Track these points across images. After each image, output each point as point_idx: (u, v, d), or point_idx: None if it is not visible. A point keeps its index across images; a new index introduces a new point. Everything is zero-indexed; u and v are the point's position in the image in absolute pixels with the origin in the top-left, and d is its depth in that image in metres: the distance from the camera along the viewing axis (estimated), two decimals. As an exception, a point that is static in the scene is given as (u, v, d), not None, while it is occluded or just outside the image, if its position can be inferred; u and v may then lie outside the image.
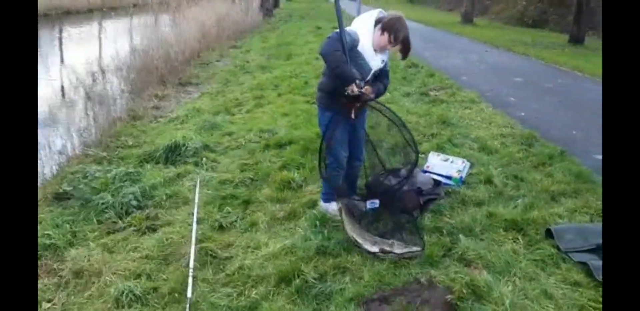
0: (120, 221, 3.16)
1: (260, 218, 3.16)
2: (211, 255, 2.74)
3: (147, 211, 3.29)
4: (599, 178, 3.76)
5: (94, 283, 2.51)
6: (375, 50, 2.81)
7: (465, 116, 5.56)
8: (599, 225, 2.95)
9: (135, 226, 3.10)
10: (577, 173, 3.80)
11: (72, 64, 7.57)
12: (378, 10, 2.86)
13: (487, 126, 5.22)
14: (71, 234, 2.98)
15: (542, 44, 13.15)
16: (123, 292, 2.35)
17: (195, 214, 3.08)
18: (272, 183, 3.68)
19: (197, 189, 3.48)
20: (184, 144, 4.35)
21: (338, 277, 2.50)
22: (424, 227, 2.98)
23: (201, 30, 11.03)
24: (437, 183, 3.47)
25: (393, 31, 2.75)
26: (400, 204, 3.05)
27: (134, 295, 2.36)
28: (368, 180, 3.25)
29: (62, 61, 10.33)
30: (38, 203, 3.33)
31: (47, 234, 2.88)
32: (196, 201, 3.30)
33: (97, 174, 3.79)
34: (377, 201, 2.94)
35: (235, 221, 3.14)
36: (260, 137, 4.81)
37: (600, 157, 4.33)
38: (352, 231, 2.82)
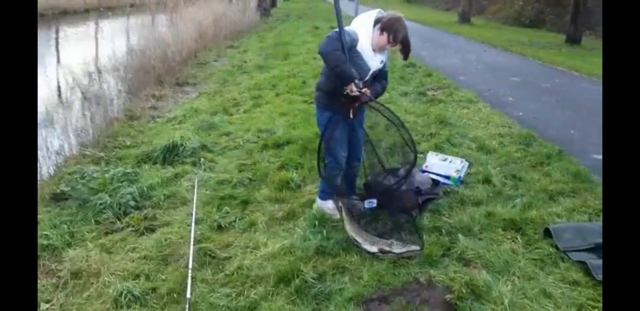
0: (118, 222, 3.15)
1: (259, 218, 3.16)
2: (210, 255, 2.73)
3: (145, 211, 3.28)
4: (596, 178, 3.78)
5: (92, 283, 2.50)
6: (374, 50, 2.81)
7: (463, 116, 5.57)
8: (597, 224, 2.95)
9: (133, 226, 3.09)
10: (575, 172, 3.81)
11: (69, 64, 7.54)
12: (377, 10, 2.86)
13: (485, 125, 5.23)
14: (69, 234, 2.97)
15: (539, 44, 13.18)
16: (122, 293, 2.35)
17: (194, 215, 3.08)
18: (270, 183, 3.67)
19: (196, 190, 3.47)
20: (181, 145, 4.34)
21: (337, 277, 2.50)
22: (422, 227, 2.98)
23: (198, 30, 11.02)
24: (435, 183, 3.47)
25: (392, 31, 2.75)
26: (399, 204, 3.05)
27: (133, 295, 2.35)
28: (367, 180, 3.25)
29: (58, 61, 10.29)
30: (36, 204, 3.32)
31: (45, 234, 2.87)
32: (194, 201, 3.29)
33: (94, 175, 3.77)
34: (374, 201, 2.94)
35: (234, 221, 3.14)
36: (259, 137, 4.80)
37: (598, 156, 4.35)
38: (351, 230, 2.82)
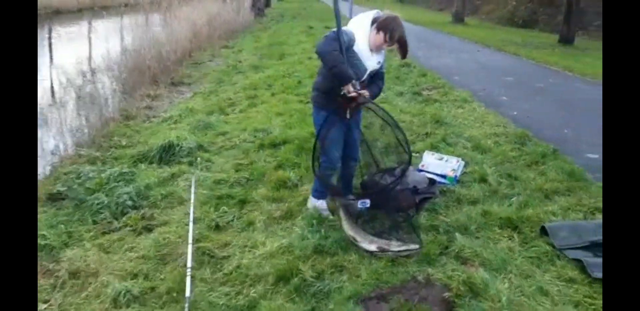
0: (115, 222, 3.14)
1: (256, 217, 3.16)
2: (208, 255, 2.74)
3: (142, 211, 3.27)
4: (591, 176, 3.81)
5: (90, 283, 2.49)
6: (371, 50, 2.82)
7: (458, 115, 5.60)
8: (592, 223, 2.99)
9: (131, 226, 3.08)
10: (569, 171, 3.84)
11: (63, 64, 7.49)
12: (375, 11, 2.88)
13: (480, 125, 5.26)
14: (66, 234, 2.95)
15: (532, 44, 13.27)
16: (120, 292, 2.34)
17: (191, 214, 3.07)
18: (267, 182, 3.68)
19: (193, 189, 3.47)
20: (178, 144, 4.33)
21: (336, 276, 2.51)
22: (420, 225, 3.00)
23: (192, 30, 10.99)
24: (432, 182, 3.49)
25: (388, 30, 2.76)
26: (395, 204, 3.07)
27: (132, 295, 2.35)
28: (364, 179, 3.26)
29: (52, 60, 10.23)
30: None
31: (42, 234, 2.85)
32: (192, 200, 3.29)
33: (91, 175, 3.76)
34: (367, 201, 2.95)
35: (232, 220, 3.14)
36: (255, 136, 4.80)
37: (592, 155, 4.39)
38: (349, 229, 2.83)
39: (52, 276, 2.56)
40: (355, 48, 2.78)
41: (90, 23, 14.00)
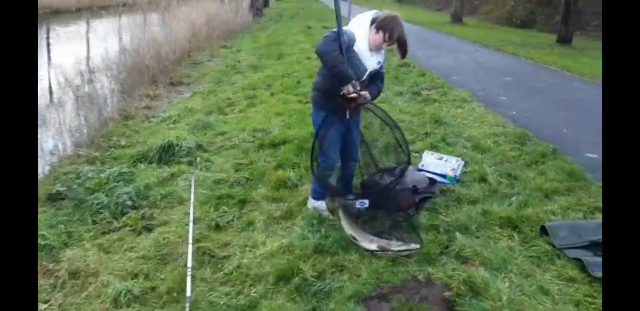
0: (115, 221, 3.13)
1: (256, 217, 3.16)
2: (209, 254, 2.73)
3: (142, 211, 3.27)
4: (590, 176, 3.82)
5: (90, 283, 2.49)
6: (370, 50, 2.82)
7: (457, 115, 5.60)
8: (592, 222, 2.99)
9: (130, 226, 3.07)
10: (569, 171, 3.85)
11: (62, 64, 7.49)
12: (374, 11, 2.88)
13: (479, 125, 5.27)
14: (66, 234, 2.94)
15: (530, 44, 13.29)
16: (121, 292, 2.34)
17: (191, 214, 3.07)
18: (267, 182, 3.68)
19: (193, 189, 3.46)
20: (177, 144, 4.33)
21: (336, 275, 2.51)
22: (420, 225, 3.00)
23: (191, 30, 10.99)
24: (432, 182, 3.49)
25: (388, 30, 2.76)
26: (395, 203, 3.07)
27: (132, 294, 2.35)
28: (363, 179, 3.26)
29: (50, 60, 10.21)
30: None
31: (42, 234, 2.84)
32: (192, 200, 3.28)
33: (90, 175, 3.75)
34: (366, 201, 2.94)
35: (232, 220, 3.14)
36: (254, 136, 4.80)
37: (591, 155, 4.40)
38: (349, 229, 2.83)
39: (52, 276, 2.56)
40: (355, 48, 2.78)
41: (88, 23, 13.98)
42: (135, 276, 2.54)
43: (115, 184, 3.59)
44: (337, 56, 2.66)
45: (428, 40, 13.68)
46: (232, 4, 16.05)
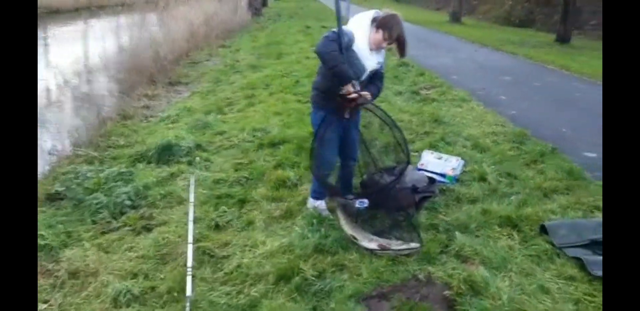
0: (114, 221, 3.13)
1: (256, 216, 3.16)
2: (208, 254, 2.73)
3: (141, 210, 3.26)
4: (589, 175, 3.82)
5: (90, 283, 2.48)
6: (371, 49, 2.82)
7: (456, 115, 5.60)
8: (591, 221, 3.00)
9: (130, 226, 3.07)
10: (568, 170, 3.85)
11: (60, 63, 7.47)
12: (374, 10, 2.88)
13: (478, 124, 5.27)
14: (65, 234, 2.94)
15: (529, 43, 13.29)
16: (121, 292, 2.34)
17: (191, 213, 3.06)
18: (267, 182, 3.67)
19: (192, 189, 3.46)
20: (176, 144, 4.32)
21: (337, 274, 2.51)
22: (420, 224, 3.00)
23: (189, 30, 10.97)
24: (431, 181, 3.49)
25: (387, 28, 2.75)
26: (395, 203, 3.07)
27: (132, 294, 2.35)
28: (363, 179, 3.26)
29: (48, 60, 10.19)
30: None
31: (41, 234, 2.83)
32: (191, 200, 3.28)
33: (89, 174, 3.74)
34: (365, 201, 2.94)
35: (232, 220, 3.13)
36: (254, 136, 4.79)
37: (590, 154, 4.41)
38: (349, 228, 2.83)
39: (52, 276, 2.55)
40: (355, 47, 2.77)
41: (85, 23, 13.94)
42: (134, 276, 2.54)
43: (114, 184, 3.58)
44: (336, 55, 2.65)
45: (426, 40, 13.68)
46: (230, 3, 16.03)
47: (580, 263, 2.62)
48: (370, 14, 2.84)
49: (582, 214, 3.19)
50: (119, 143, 4.74)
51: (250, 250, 2.77)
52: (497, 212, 3.13)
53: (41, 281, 2.49)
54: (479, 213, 3.14)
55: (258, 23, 17.95)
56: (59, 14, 18.62)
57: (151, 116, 5.92)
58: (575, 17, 14.11)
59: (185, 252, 2.66)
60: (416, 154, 4.11)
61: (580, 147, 4.61)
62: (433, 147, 4.36)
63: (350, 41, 2.74)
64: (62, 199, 3.43)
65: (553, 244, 2.80)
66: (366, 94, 2.77)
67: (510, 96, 6.87)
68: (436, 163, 3.78)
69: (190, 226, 2.91)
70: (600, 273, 2.48)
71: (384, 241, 2.70)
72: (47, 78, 7.58)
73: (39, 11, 16.38)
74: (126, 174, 3.77)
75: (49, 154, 4.62)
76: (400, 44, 2.81)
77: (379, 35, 2.77)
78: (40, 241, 2.78)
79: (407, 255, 2.64)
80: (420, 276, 2.48)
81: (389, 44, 2.81)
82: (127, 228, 3.05)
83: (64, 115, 5.66)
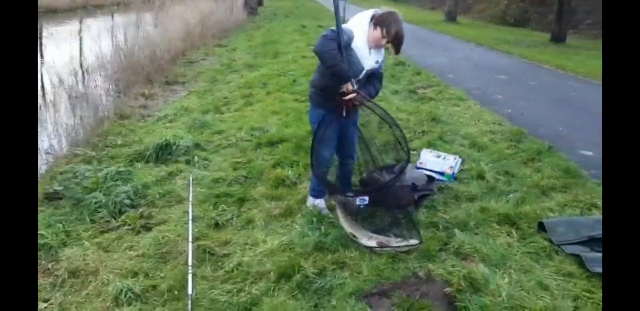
0: (113, 220, 3.12)
1: (256, 215, 3.16)
2: (209, 253, 2.73)
3: (140, 209, 3.26)
4: (586, 173, 3.85)
5: (90, 282, 2.48)
6: (370, 48, 2.82)
7: (454, 113, 5.63)
8: (589, 218, 3.02)
9: (129, 225, 3.07)
10: (565, 168, 3.88)
11: (56, 62, 7.43)
12: (373, 9, 2.88)
13: (475, 123, 5.29)
14: (64, 233, 2.93)
15: (524, 43, 13.36)
16: (122, 290, 2.34)
17: (190, 212, 3.07)
18: (266, 180, 3.68)
19: (191, 188, 3.46)
20: (174, 143, 4.31)
21: (337, 272, 2.52)
22: (419, 222, 3.01)
23: (186, 29, 10.94)
24: (430, 179, 3.50)
25: (385, 25, 2.74)
26: (395, 200, 3.08)
27: (133, 293, 2.34)
28: (363, 177, 3.27)
29: (44, 60, 10.15)
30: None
31: (40, 234, 2.82)
32: (190, 198, 3.28)
33: (87, 174, 3.73)
34: (366, 198, 2.95)
35: (231, 218, 3.13)
36: (252, 135, 4.79)
37: (586, 152, 4.44)
38: (348, 226, 2.84)
39: (52, 275, 2.55)
40: (354, 46, 2.78)
41: (84, 22, 13.89)
42: (135, 274, 2.54)
43: (113, 183, 3.57)
44: (335, 54, 2.66)
45: (423, 39, 13.71)
46: (226, 2, 16.00)
47: (578, 260, 2.64)
48: (369, 13, 2.85)
49: (579, 211, 3.22)
50: (117, 143, 4.72)
51: (250, 248, 2.77)
52: (495, 210, 3.15)
53: (41, 280, 2.49)
54: (477, 211, 3.15)
55: (254, 22, 17.92)
56: (56, 13, 18.53)
57: (148, 116, 5.90)
58: (569, 16, 14.19)
59: (185, 251, 2.66)
60: (414, 152, 4.13)
61: (576, 145, 4.64)
62: (431, 145, 4.37)
63: (350, 40, 2.74)
64: (60, 198, 3.42)
65: (551, 242, 2.82)
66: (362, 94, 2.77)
67: (507, 95, 6.91)
68: (434, 162, 3.79)
69: (190, 224, 2.91)
70: (598, 269, 2.50)
71: (383, 239, 2.71)
72: (44, 77, 7.56)
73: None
74: (125, 174, 3.76)
75: (46, 153, 4.61)
76: (396, 39, 2.80)
77: (377, 32, 2.77)
78: (39, 241, 2.77)
79: (407, 252, 2.65)
80: (421, 274, 2.49)
81: (387, 41, 2.81)
82: (126, 227, 3.05)
83: (61, 114, 5.63)
